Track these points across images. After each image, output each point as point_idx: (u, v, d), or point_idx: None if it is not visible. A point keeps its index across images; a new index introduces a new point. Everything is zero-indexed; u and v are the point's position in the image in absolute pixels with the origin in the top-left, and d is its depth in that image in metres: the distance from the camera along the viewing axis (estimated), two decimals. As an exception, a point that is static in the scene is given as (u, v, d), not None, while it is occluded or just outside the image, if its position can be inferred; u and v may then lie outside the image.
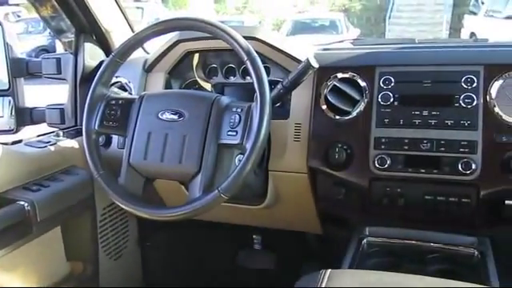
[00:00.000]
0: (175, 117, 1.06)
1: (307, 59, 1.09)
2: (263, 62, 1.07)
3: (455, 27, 11.13)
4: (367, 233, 1.20)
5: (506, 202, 1.10)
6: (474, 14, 9.17)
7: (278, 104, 1.23)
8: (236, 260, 1.85)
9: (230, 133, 1.04)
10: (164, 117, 1.07)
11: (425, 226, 1.18)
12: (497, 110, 1.09)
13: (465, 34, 9.44)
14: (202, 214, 1.01)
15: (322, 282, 0.83)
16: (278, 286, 0.97)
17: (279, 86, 1.13)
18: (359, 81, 1.20)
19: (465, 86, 1.12)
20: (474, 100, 1.10)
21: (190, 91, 1.34)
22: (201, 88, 1.42)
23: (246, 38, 1.06)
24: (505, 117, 1.08)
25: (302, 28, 9.84)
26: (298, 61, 1.19)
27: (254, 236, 1.78)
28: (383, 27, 12.24)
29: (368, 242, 1.18)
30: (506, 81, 1.10)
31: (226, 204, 1.06)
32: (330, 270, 0.86)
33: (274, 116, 1.18)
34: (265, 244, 1.77)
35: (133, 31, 1.55)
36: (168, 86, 1.38)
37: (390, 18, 12.14)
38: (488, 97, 1.10)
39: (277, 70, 1.29)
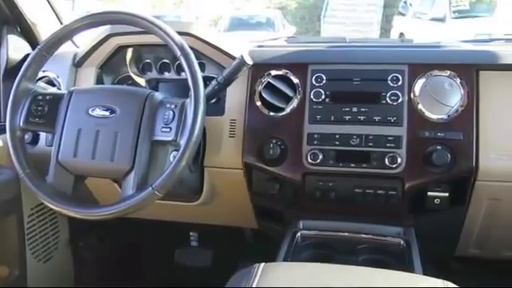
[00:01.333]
0: (106, 113, 1.03)
1: (241, 56, 1.10)
2: (198, 58, 1.06)
3: (386, 27, 11.59)
4: (301, 226, 1.23)
5: (429, 193, 1.16)
6: (403, 15, 9.60)
7: (213, 100, 1.23)
8: (173, 258, 1.84)
9: (163, 129, 1.02)
10: (95, 113, 1.04)
11: (355, 217, 1.23)
12: (420, 106, 1.15)
13: (394, 34, 9.86)
14: (135, 212, 1.00)
15: (255, 276, 0.84)
16: (216, 282, 0.98)
17: (214, 83, 1.13)
18: (292, 78, 1.23)
19: (391, 84, 1.17)
20: (399, 97, 1.16)
21: (122, 87, 1.31)
22: (134, 84, 1.39)
23: (180, 33, 1.05)
24: (427, 113, 1.15)
25: (238, 24, 9.86)
26: (233, 57, 1.19)
27: (190, 233, 1.77)
28: (318, 26, 12.51)
29: (302, 235, 1.21)
30: (428, 79, 1.16)
31: (161, 201, 1.05)
32: (263, 264, 0.88)
33: (209, 112, 1.18)
34: (202, 241, 1.77)
35: (61, 24, 1.49)
36: (99, 81, 1.34)
37: (324, 16, 12.43)
38: (412, 94, 1.16)
39: (212, 66, 1.29)
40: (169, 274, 1.82)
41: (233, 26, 9.91)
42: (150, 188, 0.97)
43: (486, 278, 1.57)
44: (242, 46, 1.34)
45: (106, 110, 1.03)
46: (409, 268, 1.05)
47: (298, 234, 1.21)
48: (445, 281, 0.84)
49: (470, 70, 1.16)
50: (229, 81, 1.13)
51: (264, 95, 1.22)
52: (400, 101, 1.16)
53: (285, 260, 1.08)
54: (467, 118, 1.13)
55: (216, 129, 1.25)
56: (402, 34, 9.01)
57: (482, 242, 1.31)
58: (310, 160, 1.18)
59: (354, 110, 1.18)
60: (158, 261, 1.84)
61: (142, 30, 1.05)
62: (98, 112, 1.04)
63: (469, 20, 6.90)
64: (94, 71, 1.33)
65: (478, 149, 1.12)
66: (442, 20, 7.34)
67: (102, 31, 1.28)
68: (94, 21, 1.06)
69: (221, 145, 1.25)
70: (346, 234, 1.21)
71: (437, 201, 1.17)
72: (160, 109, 1.04)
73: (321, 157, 1.17)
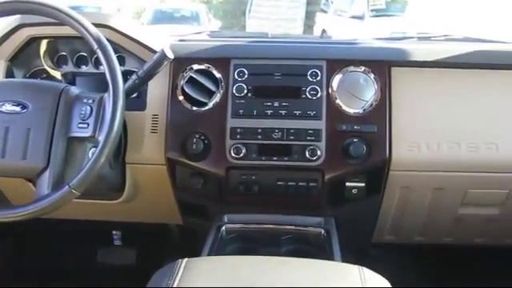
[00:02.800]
0: (17, 108, 0.98)
1: (162, 50, 1.08)
2: (117, 52, 1.03)
3: (309, 24, 11.90)
4: (226, 220, 1.24)
5: (347, 184, 1.22)
6: (325, 12, 9.91)
7: (134, 95, 1.20)
8: (95, 258, 1.78)
9: (80, 125, 0.99)
10: (4, 108, 0.98)
11: (279, 209, 1.26)
12: (338, 101, 1.20)
13: (317, 31, 10.15)
14: (52, 212, 0.95)
15: (177, 273, 0.84)
16: (140, 280, 0.96)
17: (134, 77, 1.11)
18: (215, 72, 1.22)
19: (310, 79, 1.21)
20: (318, 92, 1.20)
21: (34, 81, 1.24)
22: (49, 77, 1.32)
23: (97, 25, 1.02)
24: (344, 107, 1.20)
25: (162, 18, 9.66)
26: (154, 51, 1.17)
27: (113, 232, 1.72)
28: (243, 21, 12.59)
29: (226, 229, 1.22)
30: (345, 75, 1.21)
31: (80, 200, 1.01)
32: (186, 259, 0.87)
33: (130, 107, 1.16)
34: (125, 239, 1.72)
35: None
36: (9, 74, 1.26)
37: (249, 12, 12.52)
38: (330, 89, 1.21)
39: (132, 60, 1.26)
40: (92, 275, 1.75)
41: (156, 19, 9.69)
42: (67, 186, 0.93)
43: (402, 262, 1.67)
44: (163, 40, 1.31)
45: (17, 105, 0.98)
46: (329, 256, 1.09)
47: (223, 228, 1.21)
48: (360, 267, 0.88)
49: (382, 66, 1.22)
50: (149, 75, 1.11)
51: (186, 90, 1.21)
52: (319, 95, 1.20)
53: (209, 255, 1.08)
54: (381, 111, 1.20)
55: (137, 124, 1.22)
56: (324, 31, 9.29)
57: (396, 229, 1.40)
58: (233, 154, 1.18)
59: (276, 104, 1.20)
60: (80, 261, 1.77)
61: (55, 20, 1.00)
62: (8, 107, 0.98)
63: (386, 18, 7.26)
64: (2, 64, 1.24)
65: (390, 141, 1.19)
66: (361, 18, 7.67)
67: (10, 21, 1.20)
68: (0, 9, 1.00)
69: (143, 140, 1.22)
70: (269, 226, 1.23)
71: (354, 191, 1.22)
72: (76, 104, 1.00)
73: (244, 151, 1.18)
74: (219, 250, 1.12)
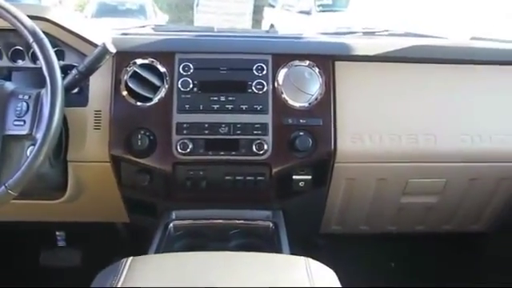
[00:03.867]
0: None
1: (103, 44, 1.05)
2: (55, 45, 0.99)
3: (257, 18, 11.93)
4: (174, 217, 1.23)
5: (294, 177, 1.23)
6: (273, 6, 9.97)
7: (75, 90, 1.16)
8: (39, 260, 1.71)
9: (16, 122, 0.95)
10: None
11: (227, 204, 1.26)
12: (283, 95, 1.21)
13: (266, 25, 10.20)
14: None
15: (122, 272, 0.82)
16: (86, 282, 0.93)
17: (74, 72, 1.07)
18: (159, 67, 1.20)
19: (256, 74, 1.21)
20: (264, 86, 1.20)
21: None
22: None
23: (33, 17, 0.98)
24: (290, 101, 1.21)
25: (107, 10, 9.36)
26: (95, 45, 1.13)
27: (56, 233, 1.66)
28: (191, 15, 12.43)
29: (174, 225, 1.20)
30: (290, 69, 1.22)
31: (19, 201, 0.97)
32: (131, 258, 0.86)
33: (71, 103, 1.12)
34: (70, 240, 1.67)
35: None
36: None
37: (197, 5, 12.38)
38: (276, 83, 1.21)
39: (72, 54, 1.21)
40: (35, 277, 1.69)
41: (100, 12, 9.38)
42: (3, 187, 0.89)
43: (349, 251, 1.71)
44: (105, 34, 1.28)
45: None
46: (277, 249, 1.10)
47: (171, 224, 1.20)
48: (306, 258, 0.90)
49: (326, 60, 1.24)
50: (90, 70, 1.07)
51: (130, 85, 1.18)
52: (265, 90, 1.20)
53: (157, 252, 1.07)
54: (326, 105, 1.22)
55: (79, 120, 1.18)
56: (272, 26, 9.36)
57: (342, 219, 1.43)
58: (179, 150, 1.17)
59: (222, 98, 1.20)
60: (22, 264, 1.69)
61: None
62: None
63: (333, 13, 7.40)
64: None
65: (335, 133, 1.21)
66: (308, 13, 7.79)
67: None
68: None
69: (85, 137, 1.19)
70: (218, 221, 1.23)
71: (301, 184, 1.24)
72: (11, 100, 0.95)
73: (190, 146, 1.17)
74: (167, 247, 1.11)
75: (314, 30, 1.62)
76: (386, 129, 1.23)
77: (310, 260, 0.89)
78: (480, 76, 1.28)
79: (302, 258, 0.89)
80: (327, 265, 0.94)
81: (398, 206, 1.38)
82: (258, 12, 12.15)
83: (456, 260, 1.72)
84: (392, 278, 1.72)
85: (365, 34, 1.61)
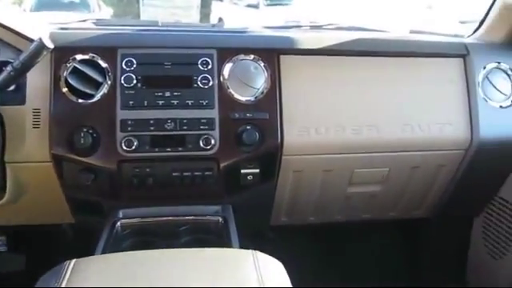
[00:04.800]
0: None
1: (40, 39, 1.01)
2: None
3: (205, 12, 11.81)
4: (121, 215, 1.20)
5: (242, 171, 1.24)
6: (221, 0, 9.91)
7: (12, 88, 1.11)
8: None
9: None
10: None
11: (176, 201, 1.24)
12: (229, 89, 1.21)
13: (214, 19, 10.11)
14: None
15: (64, 275, 0.79)
16: (30, 286, 0.90)
17: (9, 68, 1.02)
18: (100, 62, 1.17)
19: (201, 68, 1.20)
20: (209, 81, 1.20)
21: None
22: None
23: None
24: (236, 95, 1.21)
25: (47, 4, 8.92)
26: (31, 40, 1.09)
27: (-3, 237, 1.59)
28: (137, 8, 12.13)
29: (121, 224, 1.18)
30: (235, 63, 1.22)
31: None
32: (74, 260, 0.83)
33: (6, 101, 1.08)
34: (11, 244, 1.60)
35: None
36: None
37: (143, -1, 12.10)
38: (222, 78, 1.21)
39: (7, 50, 1.15)
40: None
41: (40, 5, 8.93)
42: None
43: (299, 242, 1.74)
44: (43, 28, 1.22)
45: None
46: (227, 243, 1.10)
47: (118, 223, 1.17)
48: (254, 251, 0.90)
49: (271, 54, 1.25)
50: (27, 66, 1.03)
51: (70, 81, 1.15)
52: (211, 84, 1.20)
53: (103, 253, 1.04)
54: (272, 98, 1.23)
55: (16, 120, 1.13)
56: (220, 19, 9.29)
57: (291, 211, 1.45)
58: (124, 147, 1.15)
59: (167, 94, 1.18)
60: None
61: None
62: None
63: (280, 7, 7.45)
64: None
65: (282, 127, 1.23)
66: (255, 7, 7.80)
67: None
68: None
69: (24, 137, 1.14)
70: (167, 218, 1.22)
71: (249, 177, 1.24)
72: None
73: (136, 143, 1.15)
74: (114, 247, 1.08)
75: (262, 23, 1.61)
76: (331, 121, 1.25)
77: (258, 253, 0.89)
78: (419, 68, 1.33)
79: (250, 251, 0.90)
80: (277, 257, 0.95)
81: (345, 195, 1.41)
82: (206, 6, 12.03)
83: (401, 245, 1.78)
84: (341, 267, 1.77)
85: (310, 27, 1.63)
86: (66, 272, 0.80)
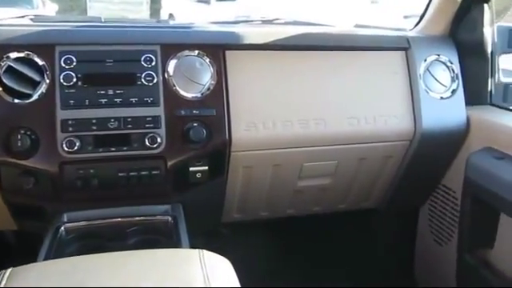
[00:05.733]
0: None
1: None
2: None
3: (156, 7, 11.60)
4: (65, 219, 1.16)
5: (190, 168, 1.22)
6: (171, -5, 9.73)
7: None
8: None
9: None
10: None
11: (123, 201, 1.21)
12: (175, 86, 1.19)
13: (165, 15, 9.95)
14: None
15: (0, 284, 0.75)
16: None
17: None
18: (37, 60, 1.12)
19: (145, 65, 1.17)
20: (154, 78, 1.17)
21: None
22: None
23: None
24: (182, 92, 1.19)
25: (-13, 0, 8.55)
26: None
27: None
28: (84, 4, 11.77)
29: (66, 228, 1.13)
30: (180, 59, 1.20)
31: None
32: (10, 269, 0.79)
33: None
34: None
35: None
36: None
37: (91, -6, 11.75)
38: (166, 74, 1.18)
39: None
40: None
41: (-22, 1, 8.53)
42: None
43: (251, 238, 1.74)
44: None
45: None
46: (176, 243, 1.08)
47: (62, 228, 1.13)
48: (201, 250, 0.89)
49: (217, 49, 1.23)
50: None
51: (5, 81, 1.09)
52: (155, 81, 1.17)
53: (46, 259, 1.00)
54: (218, 95, 1.21)
55: None
56: (171, 15, 9.16)
57: (243, 207, 1.45)
58: (66, 148, 1.10)
59: (110, 92, 1.15)
60: None
61: None
62: None
63: (231, 3, 7.40)
64: None
65: (229, 123, 1.22)
66: (206, 2, 7.72)
67: None
68: None
69: None
70: (114, 219, 1.18)
71: (198, 175, 1.23)
72: None
73: (78, 144, 1.11)
74: (58, 252, 1.04)
75: (211, 19, 1.59)
76: (278, 116, 1.26)
77: (205, 252, 0.88)
78: (363, 62, 1.36)
79: (197, 250, 0.88)
80: (229, 254, 0.95)
81: (295, 189, 1.42)
82: (156, 1, 11.82)
83: (352, 237, 1.82)
84: (296, 261, 1.79)
85: (256, 22, 1.63)
86: (0, 282, 0.76)
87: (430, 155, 1.41)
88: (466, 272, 1.40)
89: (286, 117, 1.26)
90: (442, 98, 1.36)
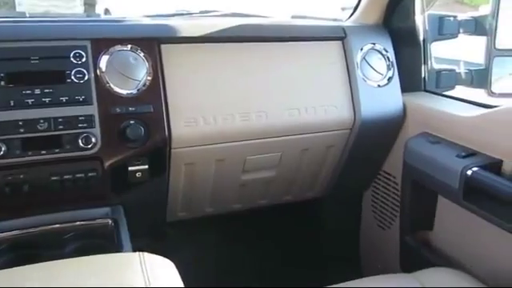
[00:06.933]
0: None
1: None
2: None
3: (90, 3, 11.18)
4: None
5: (129, 168, 1.17)
6: (106, -10, 9.39)
7: None
8: None
9: None
10: None
11: (60, 207, 1.15)
12: (108, 83, 1.13)
13: (100, 10, 9.60)
14: None
15: None
16: None
17: None
18: None
19: (74, 61, 1.11)
20: (85, 75, 1.11)
21: None
22: None
23: None
24: (116, 89, 1.14)
25: None
26: None
27: None
28: (12, 0, 11.17)
29: None
30: (112, 55, 1.15)
31: None
32: None
33: None
34: None
35: None
36: None
37: (19, -11, 11.15)
38: (98, 71, 1.13)
39: None
40: None
41: None
42: None
43: (200, 236, 1.71)
44: None
45: None
46: (118, 246, 1.04)
47: None
48: (141, 253, 0.85)
49: (151, 43, 1.19)
50: None
51: None
52: (86, 78, 1.11)
53: None
54: (155, 90, 1.17)
55: None
56: (107, 11, 8.86)
57: (187, 205, 1.42)
58: None
59: (37, 91, 1.08)
60: None
61: None
62: None
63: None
64: None
65: (168, 119, 1.18)
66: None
67: None
68: None
69: None
70: (50, 226, 1.12)
71: (138, 174, 1.19)
72: None
73: (4, 148, 1.04)
74: None
75: (153, 13, 1.54)
76: (219, 109, 1.23)
77: (146, 254, 0.85)
78: (301, 52, 1.35)
79: (137, 253, 0.85)
80: (175, 254, 0.91)
81: (240, 183, 1.41)
82: (89, -4, 11.40)
83: (299, 227, 1.83)
84: (245, 255, 1.78)
85: (192, 15, 1.59)
86: None
87: (370, 142, 1.43)
88: (408, 253, 1.45)
89: (226, 110, 1.24)
90: (379, 85, 1.39)
